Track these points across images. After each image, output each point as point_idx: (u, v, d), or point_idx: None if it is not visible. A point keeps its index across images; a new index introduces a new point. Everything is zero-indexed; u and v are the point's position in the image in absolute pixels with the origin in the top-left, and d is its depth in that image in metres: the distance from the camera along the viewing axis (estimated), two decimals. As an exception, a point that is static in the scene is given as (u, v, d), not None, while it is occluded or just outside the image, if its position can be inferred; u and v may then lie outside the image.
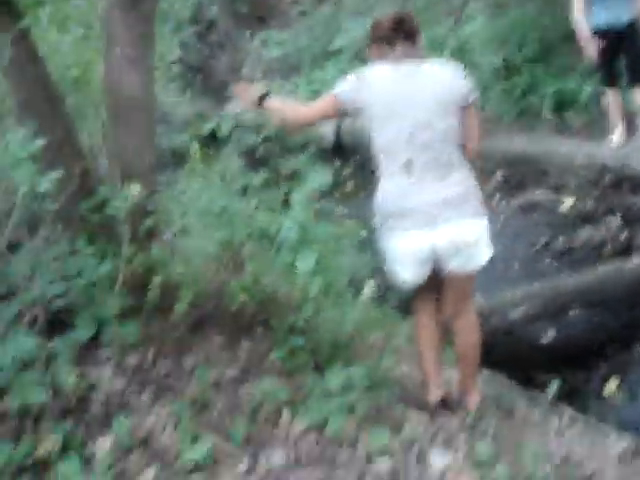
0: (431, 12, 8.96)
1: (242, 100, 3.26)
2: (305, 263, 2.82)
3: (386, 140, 2.91)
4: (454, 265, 2.97)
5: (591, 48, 6.04)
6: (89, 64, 3.92)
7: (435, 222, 2.87)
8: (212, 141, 3.49)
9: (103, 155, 3.41)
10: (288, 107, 3.19)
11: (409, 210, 2.89)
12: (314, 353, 3.16)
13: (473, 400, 3.23)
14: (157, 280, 3.05)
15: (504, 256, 5.68)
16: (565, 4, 6.40)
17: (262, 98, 3.14)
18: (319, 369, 3.13)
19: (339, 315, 3.07)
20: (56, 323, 2.89)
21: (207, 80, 11.50)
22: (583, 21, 6.02)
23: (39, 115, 3.18)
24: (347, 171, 7.84)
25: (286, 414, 2.85)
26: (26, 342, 2.58)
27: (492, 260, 5.10)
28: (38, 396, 2.53)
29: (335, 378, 2.92)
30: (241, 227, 3.09)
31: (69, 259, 2.87)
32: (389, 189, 2.95)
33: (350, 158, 7.86)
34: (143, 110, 3.38)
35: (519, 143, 7.09)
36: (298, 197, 2.97)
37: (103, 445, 2.57)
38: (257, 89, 3.20)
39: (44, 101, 3.27)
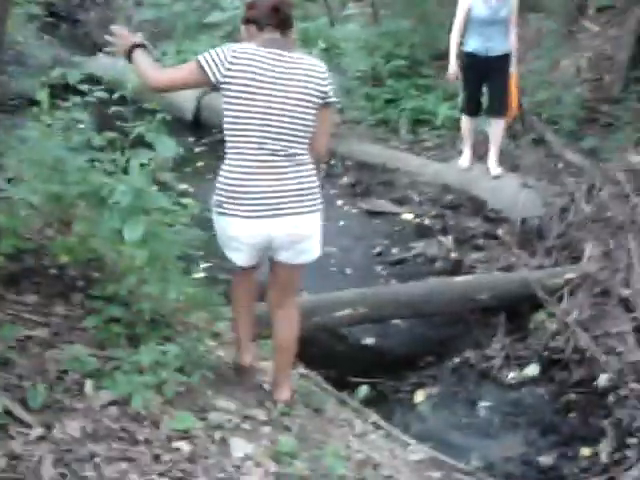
0: (308, 6, 9.03)
1: (116, 44, 3.08)
2: (134, 231, 2.71)
3: (239, 120, 2.88)
4: (284, 256, 3.01)
5: (454, 69, 6.29)
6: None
7: (272, 212, 2.90)
8: (65, 91, 3.27)
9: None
10: (152, 66, 3.04)
11: (249, 196, 2.88)
12: (131, 326, 3.06)
13: (283, 394, 3.26)
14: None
15: (339, 258, 5.82)
16: (439, 24, 6.61)
17: (134, 47, 3.00)
18: (134, 343, 3.03)
19: (163, 290, 2.98)
20: None
21: (72, 30, 10.99)
22: (456, 41, 6.26)
23: None
24: (201, 149, 7.75)
25: (90, 385, 2.74)
26: None
27: (326, 260, 5.23)
28: None
29: (148, 354, 2.83)
30: (74, 184, 2.93)
31: None
32: (234, 171, 2.92)
33: (206, 136, 7.77)
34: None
35: (371, 151, 7.27)
36: (137, 162, 2.86)
37: None
38: (134, 37, 3.04)
39: None
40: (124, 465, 2.44)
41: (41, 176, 3.02)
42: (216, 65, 2.86)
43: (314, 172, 3.03)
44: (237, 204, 2.89)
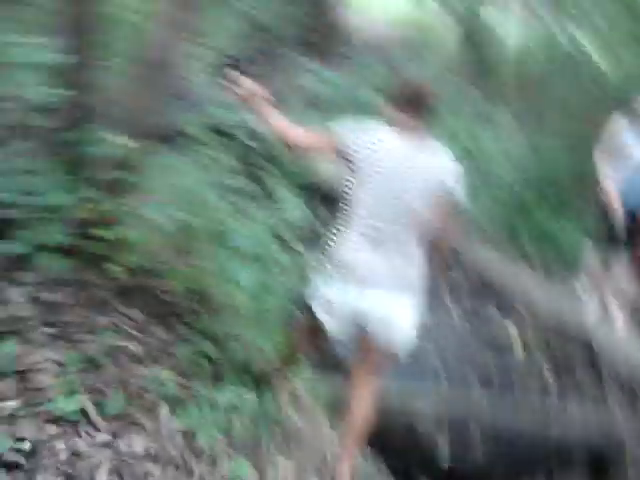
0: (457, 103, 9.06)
1: (234, 89, 3.11)
2: (249, 278, 2.81)
3: (364, 199, 2.93)
4: (376, 332, 3.00)
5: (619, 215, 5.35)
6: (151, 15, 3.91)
7: (374, 288, 2.93)
8: (216, 132, 3.48)
9: (111, 95, 3.40)
10: (281, 118, 3.09)
11: (356, 270, 2.93)
12: (218, 364, 3.15)
13: (343, 470, 3.23)
14: (110, 232, 3.04)
15: (434, 356, 5.72)
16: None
17: (254, 96, 3.08)
18: (217, 381, 3.11)
19: (259, 339, 3.07)
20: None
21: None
22: (612, 188, 5.38)
23: (74, 34, 3.19)
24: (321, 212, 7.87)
25: (165, 409, 2.85)
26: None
27: (421, 354, 5.14)
28: None
29: (226, 395, 2.92)
30: (202, 218, 3.09)
31: (27, 177, 2.86)
32: (348, 244, 2.97)
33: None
34: (166, 76, 3.40)
35: (491, 260, 7.11)
36: (264, 214, 2.99)
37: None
38: (252, 84, 3.10)
39: (85, 23, 3.26)
40: (173, 492, 2.50)
41: (174, 203, 3.20)
42: (354, 140, 2.94)
43: (416, 262, 3.00)
44: (344, 274, 2.94)
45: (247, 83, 3.09)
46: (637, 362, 5.48)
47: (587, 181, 6.35)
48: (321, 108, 9.60)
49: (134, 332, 3.20)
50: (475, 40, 10.80)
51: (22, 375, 2.73)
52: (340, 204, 3.04)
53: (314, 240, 5.88)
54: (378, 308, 2.94)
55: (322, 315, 3.02)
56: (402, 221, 2.92)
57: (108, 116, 3.27)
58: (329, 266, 2.98)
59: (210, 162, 3.45)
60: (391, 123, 2.96)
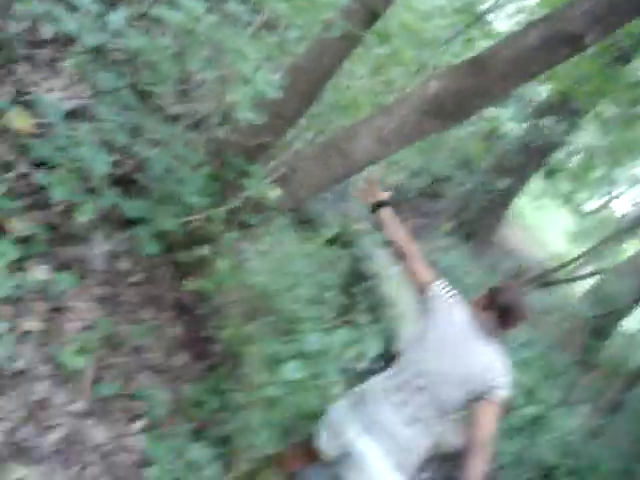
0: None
1: (362, 195, 3.26)
2: (293, 372, 2.81)
3: (409, 358, 2.93)
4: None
5: None
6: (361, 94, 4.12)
7: (376, 443, 2.85)
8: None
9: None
10: (403, 234, 3.12)
11: (370, 412, 2.90)
12: (209, 421, 3.15)
13: None
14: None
15: None
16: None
17: (380, 204, 3.18)
18: (197, 436, 3.11)
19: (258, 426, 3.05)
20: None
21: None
22: None
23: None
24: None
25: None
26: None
27: None
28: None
29: (191, 450, 2.90)
30: (288, 300, 3.16)
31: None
32: (377, 384, 2.96)
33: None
34: (347, 171, 3.54)
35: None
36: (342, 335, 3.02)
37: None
38: (379, 194, 3.21)
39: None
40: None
41: (273, 273, 3.31)
42: (438, 300, 2.95)
43: (422, 449, 2.91)
44: (357, 410, 2.92)
45: (374, 185, 3.22)
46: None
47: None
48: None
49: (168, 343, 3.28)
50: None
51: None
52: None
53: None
54: (367, 462, 2.85)
55: (321, 432, 3.00)
56: (428, 401, 2.85)
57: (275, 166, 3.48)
58: (353, 398, 2.96)
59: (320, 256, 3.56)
60: (474, 315, 2.93)
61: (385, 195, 3.22)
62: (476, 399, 2.83)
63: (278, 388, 2.65)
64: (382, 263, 3.97)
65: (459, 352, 2.85)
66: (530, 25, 3.14)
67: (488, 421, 2.82)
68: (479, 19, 4.14)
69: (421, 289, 3.03)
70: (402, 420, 2.85)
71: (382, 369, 2.97)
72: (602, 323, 8.72)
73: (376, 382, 2.96)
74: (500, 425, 3.17)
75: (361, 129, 3.41)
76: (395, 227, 3.13)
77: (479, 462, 2.77)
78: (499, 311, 2.90)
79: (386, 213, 3.17)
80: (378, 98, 4.11)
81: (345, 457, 2.91)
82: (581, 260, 13.05)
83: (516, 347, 7.88)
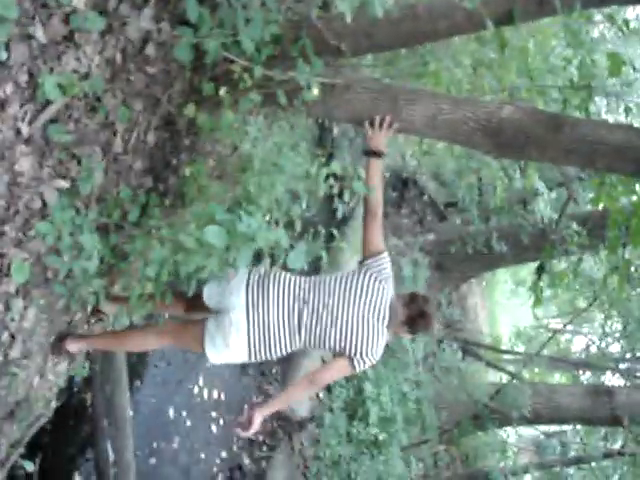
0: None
1: (369, 134, 3.43)
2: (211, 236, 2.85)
3: (320, 289, 3.39)
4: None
5: None
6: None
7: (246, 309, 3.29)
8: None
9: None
10: (380, 193, 3.45)
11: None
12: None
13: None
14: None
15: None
16: None
17: (377, 153, 3.42)
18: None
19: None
20: None
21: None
22: None
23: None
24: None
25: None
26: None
27: None
28: None
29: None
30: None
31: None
32: (281, 289, 3.35)
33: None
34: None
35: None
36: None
37: None
38: (383, 142, 3.41)
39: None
40: None
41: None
42: (378, 266, 3.41)
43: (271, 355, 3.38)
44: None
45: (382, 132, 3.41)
46: None
47: None
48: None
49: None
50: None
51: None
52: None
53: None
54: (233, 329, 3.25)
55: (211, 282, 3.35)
56: (323, 332, 3.28)
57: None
58: (259, 277, 3.31)
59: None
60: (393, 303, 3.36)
61: (384, 147, 3.42)
62: (341, 354, 3.31)
63: (190, 240, 2.66)
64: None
65: (362, 318, 3.27)
66: (620, 126, 3.11)
67: (336, 371, 3.41)
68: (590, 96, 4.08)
69: (369, 251, 3.40)
70: (283, 323, 3.26)
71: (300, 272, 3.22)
72: (487, 417, 8.85)
73: (287, 280, 3.32)
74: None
75: (424, 100, 3.37)
76: (377, 182, 3.40)
77: (307, 388, 3.44)
78: (413, 313, 3.33)
79: (377, 164, 3.43)
80: (457, 87, 4.05)
81: (220, 313, 3.30)
82: (509, 356, 13.22)
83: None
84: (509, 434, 11.75)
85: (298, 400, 3.61)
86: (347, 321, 3.25)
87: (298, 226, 3.15)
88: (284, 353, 3.36)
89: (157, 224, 3.05)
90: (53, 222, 2.86)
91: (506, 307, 19.44)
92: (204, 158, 3.60)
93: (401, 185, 10.42)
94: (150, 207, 3.26)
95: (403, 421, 7.73)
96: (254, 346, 3.28)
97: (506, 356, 13.25)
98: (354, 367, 3.30)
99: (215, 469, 6.12)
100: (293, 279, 3.34)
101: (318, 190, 3.29)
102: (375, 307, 3.30)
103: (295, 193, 3.15)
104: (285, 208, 3.02)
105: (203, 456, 5.97)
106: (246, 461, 6.68)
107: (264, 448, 6.79)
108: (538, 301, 5.61)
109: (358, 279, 3.34)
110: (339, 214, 3.75)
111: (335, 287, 3.31)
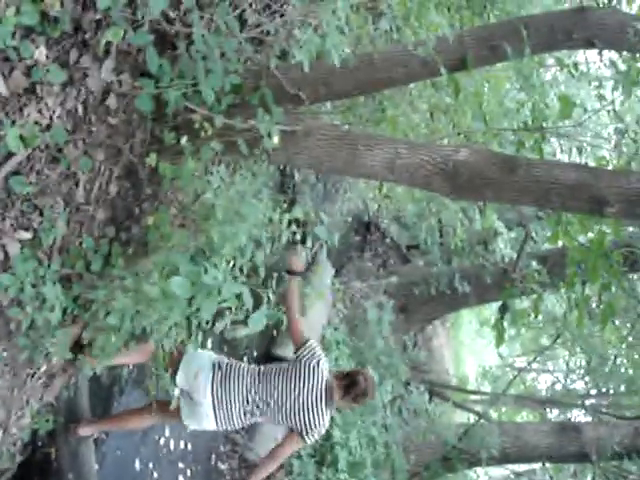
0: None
1: (290, 260, 3.90)
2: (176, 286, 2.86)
3: (270, 381, 3.96)
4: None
5: None
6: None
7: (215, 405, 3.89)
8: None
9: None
10: (294, 310, 3.92)
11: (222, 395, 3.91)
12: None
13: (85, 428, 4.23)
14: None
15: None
16: None
17: (294, 274, 3.88)
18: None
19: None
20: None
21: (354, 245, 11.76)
22: None
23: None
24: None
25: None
26: None
27: None
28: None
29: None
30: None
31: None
32: (240, 382, 3.92)
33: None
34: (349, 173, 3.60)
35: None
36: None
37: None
38: (300, 266, 3.92)
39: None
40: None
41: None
42: (309, 354, 3.97)
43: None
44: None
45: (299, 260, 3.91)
46: None
47: None
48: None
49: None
50: None
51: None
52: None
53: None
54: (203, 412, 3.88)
55: (185, 364, 3.84)
56: (275, 417, 3.93)
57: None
58: (221, 367, 3.90)
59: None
60: (331, 383, 3.90)
61: (301, 267, 3.95)
62: (294, 431, 3.94)
63: (153, 290, 2.66)
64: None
65: (304, 402, 3.86)
66: (573, 165, 3.21)
67: (290, 446, 4.04)
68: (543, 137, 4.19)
69: (297, 343, 3.95)
70: (244, 413, 3.91)
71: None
72: (456, 458, 8.82)
73: (243, 378, 3.89)
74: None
75: (382, 145, 3.44)
76: (292, 296, 3.90)
77: (269, 465, 4.04)
78: (353, 391, 3.87)
79: (294, 283, 3.91)
80: (414, 131, 4.15)
81: (187, 395, 3.90)
82: (476, 396, 13.25)
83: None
84: (479, 475, 11.72)
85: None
86: (291, 407, 3.86)
87: (262, 273, 3.19)
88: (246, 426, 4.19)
89: (120, 274, 3.05)
90: (15, 274, 2.85)
91: (471, 347, 19.53)
92: (167, 207, 3.61)
93: (364, 229, 10.52)
94: (113, 256, 3.26)
95: (372, 465, 7.68)
96: (221, 426, 3.97)
97: (473, 396, 13.28)
98: (305, 441, 3.96)
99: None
100: (248, 376, 3.91)
101: (281, 236, 3.33)
102: (314, 390, 3.87)
103: (258, 240, 3.17)
104: (248, 256, 3.04)
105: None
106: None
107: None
108: (501, 339, 5.66)
109: (295, 370, 3.90)
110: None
111: (278, 381, 3.89)
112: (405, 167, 3.35)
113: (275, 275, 3.27)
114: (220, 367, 3.91)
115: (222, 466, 6.86)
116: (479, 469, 10.72)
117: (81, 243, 3.24)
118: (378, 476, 7.83)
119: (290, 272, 3.90)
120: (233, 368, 3.93)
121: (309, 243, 3.64)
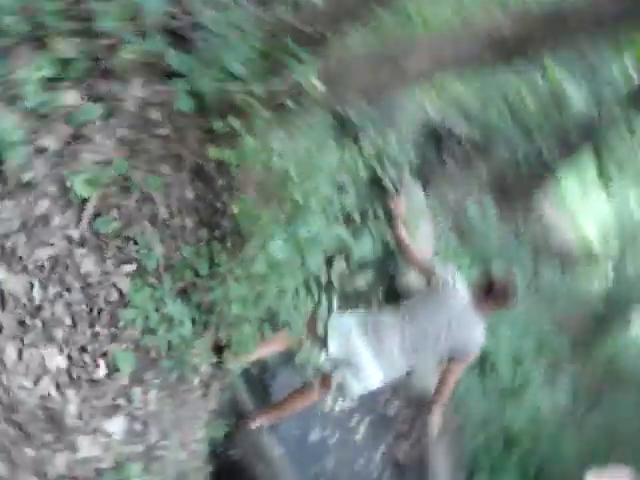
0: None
1: (394, 206, 3.97)
2: (279, 251, 2.88)
3: (419, 321, 3.98)
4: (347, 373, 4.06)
5: None
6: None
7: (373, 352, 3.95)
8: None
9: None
10: (404, 233, 4.06)
11: (380, 337, 3.95)
12: (195, 286, 3.19)
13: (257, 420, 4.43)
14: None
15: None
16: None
17: (397, 218, 3.96)
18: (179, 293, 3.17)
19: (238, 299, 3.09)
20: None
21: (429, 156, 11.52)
22: None
23: None
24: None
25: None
26: None
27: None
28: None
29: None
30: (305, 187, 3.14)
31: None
32: (389, 324, 3.98)
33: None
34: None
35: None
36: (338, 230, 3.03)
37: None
38: (402, 209, 3.99)
39: None
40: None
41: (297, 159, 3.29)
42: (445, 278, 4.00)
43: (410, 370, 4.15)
44: (369, 334, 3.94)
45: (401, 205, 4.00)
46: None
47: None
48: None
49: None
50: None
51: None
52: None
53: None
54: (367, 364, 3.91)
55: (333, 333, 3.89)
56: (427, 350, 3.94)
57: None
58: (362, 325, 3.91)
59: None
60: (472, 296, 3.98)
61: (403, 210, 4.00)
62: (453, 358, 4.03)
63: (261, 266, 2.69)
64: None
65: (457, 328, 3.88)
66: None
67: (458, 368, 4.07)
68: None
69: (424, 270, 4.03)
70: (402, 353, 3.91)
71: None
72: (611, 318, 8.66)
73: (391, 318, 3.95)
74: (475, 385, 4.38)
75: (421, 46, 3.34)
76: (402, 228, 3.98)
77: (444, 390, 4.13)
78: (495, 296, 3.92)
79: (400, 224, 3.99)
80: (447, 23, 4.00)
81: (344, 362, 3.94)
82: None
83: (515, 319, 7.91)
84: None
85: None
86: (446, 337, 3.89)
87: (357, 216, 3.17)
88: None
89: (228, 267, 3.09)
90: (135, 306, 2.94)
91: (583, 211, 18.93)
92: (244, 191, 3.63)
93: (435, 137, 10.26)
94: (215, 255, 3.31)
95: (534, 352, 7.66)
96: (387, 376, 4.01)
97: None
98: (468, 361, 4.09)
99: (374, 469, 6.16)
100: (395, 319, 3.95)
101: (359, 173, 3.30)
102: (461, 313, 3.89)
103: (341, 185, 3.16)
104: (337, 203, 3.02)
105: (362, 462, 6.02)
106: (401, 455, 6.68)
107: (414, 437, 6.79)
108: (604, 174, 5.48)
109: (437, 299, 3.94)
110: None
111: (425, 315, 3.91)
112: (453, 56, 3.24)
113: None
114: (366, 320, 3.95)
115: (390, 412, 6.97)
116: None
117: (182, 254, 3.30)
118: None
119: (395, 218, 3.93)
120: (377, 317, 3.99)
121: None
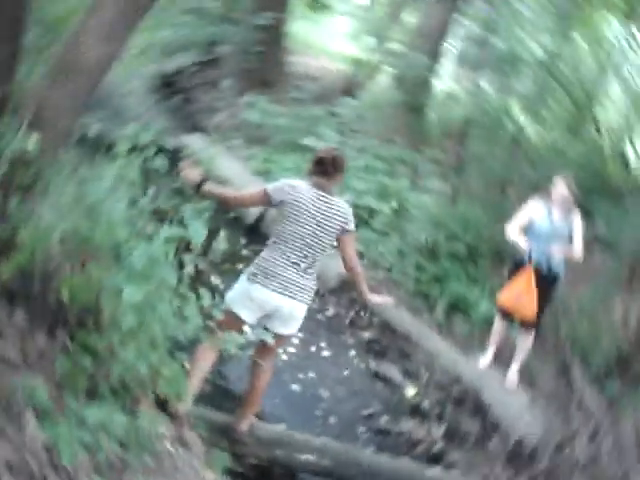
0: (397, 166, 9.39)
1: (186, 178, 4.11)
2: (133, 295, 2.77)
3: (285, 229, 4.15)
4: (277, 326, 4.23)
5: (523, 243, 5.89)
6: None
7: (287, 293, 4.13)
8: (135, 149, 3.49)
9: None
10: (226, 192, 4.32)
11: (278, 276, 4.12)
12: (95, 381, 3.05)
13: (243, 425, 4.48)
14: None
15: (329, 405, 5.75)
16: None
17: (200, 184, 4.07)
18: (91, 398, 3.02)
19: (137, 359, 2.98)
20: None
21: (181, 105, 11.44)
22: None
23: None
24: (246, 252, 7.81)
25: (32, 419, 2.72)
26: None
27: (316, 401, 5.26)
28: None
29: (95, 415, 2.81)
30: (102, 230, 3.02)
31: None
32: (273, 258, 4.15)
33: (256, 243, 7.87)
34: (89, 82, 3.35)
35: (400, 318, 7.14)
36: (164, 234, 2.95)
37: None
38: (197, 175, 4.10)
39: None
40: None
41: (77, 212, 3.13)
42: (280, 193, 4.12)
43: (315, 279, 4.29)
44: (268, 279, 4.11)
45: (192, 170, 4.14)
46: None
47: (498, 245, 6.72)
48: (250, 135, 9.79)
49: (15, 339, 3.09)
50: (407, 80, 11.16)
51: None
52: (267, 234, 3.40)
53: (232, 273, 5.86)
54: (288, 308, 4.16)
55: (240, 308, 4.11)
56: (314, 248, 4.15)
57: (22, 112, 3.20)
58: (260, 273, 4.10)
59: (120, 177, 3.39)
60: (310, 181, 4.15)
61: (199, 176, 4.12)
62: (339, 236, 4.20)
63: (132, 316, 2.60)
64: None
65: (320, 216, 4.10)
66: None
67: (352, 248, 4.29)
68: None
69: (263, 201, 4.19)
70: (301, 275, 4.15)
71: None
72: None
73: (271, 257, 4.15)
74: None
75: (83, 35, 3.19)
76: (219, 191, 4.21)
77: (361, 278, 4.36)
78: (324, 170, 4.14)
79: (208, 187, 4.11)
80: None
81: (265, 319, 4.19)
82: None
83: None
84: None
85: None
86: (317, 227, 4.11)
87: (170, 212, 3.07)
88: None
89: (104, 345, 2.96)
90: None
91: (323, 39, 19.12)
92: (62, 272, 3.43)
93: (166, 86, 10.14)
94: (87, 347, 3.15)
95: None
96: (295, 293, 4.19)
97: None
98: (351, 231, 4.23)
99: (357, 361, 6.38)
100: (273, 250, 4.18)
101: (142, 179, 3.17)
102: (313, 203, 4.13)
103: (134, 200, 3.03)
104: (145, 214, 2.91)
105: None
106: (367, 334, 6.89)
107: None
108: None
109: (292, 211, 4.11)
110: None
111: (290, 231, 4.12)
112: (116, 23, 3.10)
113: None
114: (250, 270, 4.17)
115: (334, 313, 7.15)
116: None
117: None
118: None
119: (197, 186, 4.06)
120: (257, 260, 4.19)
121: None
